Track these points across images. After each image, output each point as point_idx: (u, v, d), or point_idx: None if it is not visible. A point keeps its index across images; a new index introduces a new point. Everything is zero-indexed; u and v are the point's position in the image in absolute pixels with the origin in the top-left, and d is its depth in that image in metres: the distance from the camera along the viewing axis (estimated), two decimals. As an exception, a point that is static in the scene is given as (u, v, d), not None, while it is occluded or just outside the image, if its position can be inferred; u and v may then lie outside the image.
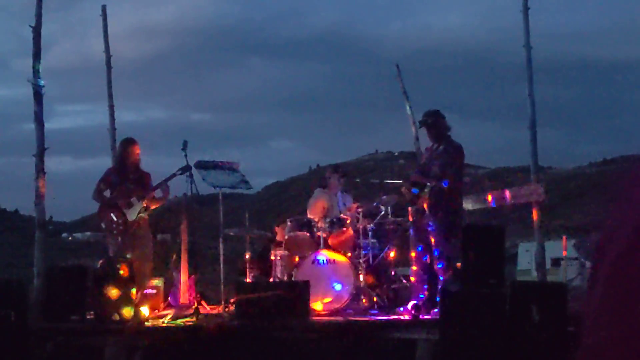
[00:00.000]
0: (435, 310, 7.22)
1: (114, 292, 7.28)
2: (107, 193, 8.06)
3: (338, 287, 8.01)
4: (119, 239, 7.77)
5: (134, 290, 7.45)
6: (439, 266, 7.52)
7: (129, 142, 8.14)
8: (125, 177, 7.96)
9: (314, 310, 7.68)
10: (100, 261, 7.83)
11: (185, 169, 7.90)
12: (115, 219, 7.77)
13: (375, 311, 7.91)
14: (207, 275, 9.94)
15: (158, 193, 8.05)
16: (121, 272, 7.39)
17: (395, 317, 7.58)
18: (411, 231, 8.00)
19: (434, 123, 7.80)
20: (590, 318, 0.80)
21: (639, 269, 0.75)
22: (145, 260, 7.99)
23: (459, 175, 7.84)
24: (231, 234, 9.31)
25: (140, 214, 7.89)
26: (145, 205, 7.91)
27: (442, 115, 7.88)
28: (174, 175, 7.92)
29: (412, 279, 7.93)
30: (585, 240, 8.70)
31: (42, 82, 8.37)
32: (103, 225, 7.92)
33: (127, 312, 7.29)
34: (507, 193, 9.56)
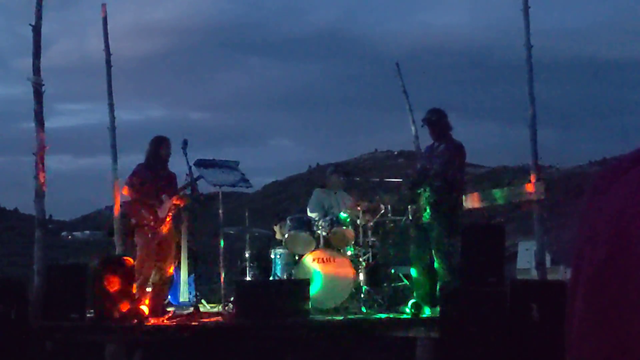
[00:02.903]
0: (436, 308, 7.23)
1: (114, 288, 7.33)
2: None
3: (338, 285, 8.01)
4: (150, 234, 7.81)
5: (134, 287, 7.49)
6: (439, 265, 7.52)
7: (162, 140, 8.21)
8: (156, 174, 8.02)
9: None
10: (99, 259, 7.86)
11: (196, 177, 8.03)
12: (147, 214, 7.83)
13: (375, 310, 7.92)
14: (206, 274, 9.93)
15: (186, 191, 8.14)
16: (123, 268, 7.44)
17: (395, 315, 7.59)
18: (411, 230, 8.00)
19: (437, 121, 7.81)
20: (574, 326, 0.79)
21: (620, 275, 0.74)
22: (169, 257, 8.07)
23: (460, 173, 7.84)
24: (231, 232, 9.31)
25: (170, 212, 7.98)
26: (174, 202, 8.00)
27: (445, 114, 7.89)
28: (199, 177, 8.02)
29: (414, 276, 7.92)
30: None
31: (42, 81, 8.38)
32: (133, 221, 7.97)
33: (126, 307, 7.32)
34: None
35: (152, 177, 7.99)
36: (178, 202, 8.09)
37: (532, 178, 8.58)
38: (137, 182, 7.97)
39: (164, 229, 7.94)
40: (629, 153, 0.80)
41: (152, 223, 7.82)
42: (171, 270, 8.03)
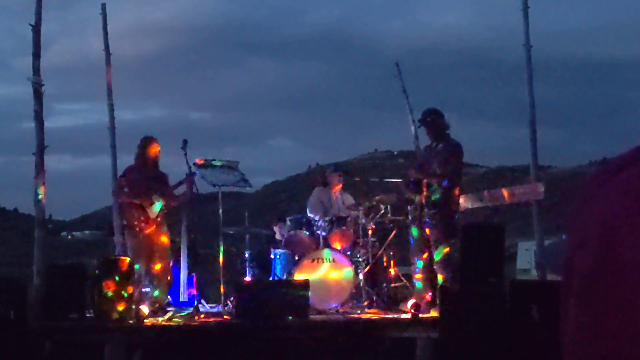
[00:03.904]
0: (435, 309, 7.22)
1: (111, 289, 7.34)
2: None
3: (337, 286, 8.01)
4: (141, 235, 7.84)
5: (130, 288, 7.50)
6: (439, 265, 7.52)
7: (149, 141, 8.24)
8: (145, 175, 8.05)
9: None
10: (98, 260, 7.87)
11: (193, 173, 8.04)
12: (137, 215, 7.86)
13: (375, 310, 7.92)
14: (206, 274, 9.93)
15: (180, 190, 8.16)
16: (120, 268, 7.45)
17: (395, 315, 7.59)
18: (411, 230, 7.99)
19: (433, 122, 7.82)
20: (568, 332, 0.78)
21: (609, 281, 0.73)
22: (165, 257, 8.08)
23: (458, 173, 7.85)
24: (231, 232, 9.31)
25: (161, 212, 8.00)
26: (165, 203, 8.02)
27: (441, 114, 7.90)
28: (194, 174, 8.03)
29: (418, 276, 7.91)
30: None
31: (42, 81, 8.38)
32: (124, 222, 8.01)
33: (122, 307, 7.33)
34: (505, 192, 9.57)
35: (142, 178, 8.03)
36: (169, 202, 8.10)
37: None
38: (126, 184, 8.01)
39: (151, 228, 7.95)
40: (619, 155, 0.80)
41: (142, 224, 7.85)
42: (157, 267, 8.02)
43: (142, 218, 7.87)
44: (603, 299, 0.73)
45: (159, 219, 8.00)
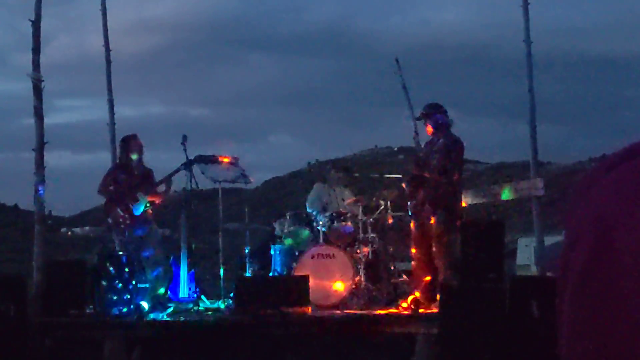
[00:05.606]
0: (435, 304, 7.23)
1: (107, 283, 7.39)
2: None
3: (337, 282, 8.02)
4: (126, 233, 7.88)
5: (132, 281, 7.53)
6: (439, 261, 7.52)
7: (132, 139, 8.28)
8: (130, 173, 8.10)
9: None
10: (97, 255, 7.91)
11: (188, 164, 8.03)
12: (122, 213, 7.89)
13: (375, 306, 7.92)
14: (206, 270, 9.95)
15: (161, 188, 8.19)
16: (115, 262, 7.50)
17: (395, 311, 7.59)
18: (411, 226, 7.99)
19: (430, 115, 7.78)
20: (564, 330, 0.78)
21: (602, 281, 0.73)
22: (152, 254, 8.11)
23: (458, 168, 7.83)
24: (231, 228, 9.32)
25: (146, 209, 8.02)
26: (150, 199, 8.05)
27: (444, 110, 7.86)
28: (178, 170, 8.05)
29: (418, 272, 7.90)
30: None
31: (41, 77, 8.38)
32: (110, 220, 8.05)
33: (116, 298, 7.36)
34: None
35: (126, 176, 8.07)
36: (154, 199, 8.13)
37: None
38: (110, 183, 8.07)
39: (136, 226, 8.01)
40: (614, 153, 0.79)
41: (127, 222, 7.89)
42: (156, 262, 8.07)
43: (127, 216, 7.91)
44: (598, 294, 0.73)
45: (144, 216, 8.03)
